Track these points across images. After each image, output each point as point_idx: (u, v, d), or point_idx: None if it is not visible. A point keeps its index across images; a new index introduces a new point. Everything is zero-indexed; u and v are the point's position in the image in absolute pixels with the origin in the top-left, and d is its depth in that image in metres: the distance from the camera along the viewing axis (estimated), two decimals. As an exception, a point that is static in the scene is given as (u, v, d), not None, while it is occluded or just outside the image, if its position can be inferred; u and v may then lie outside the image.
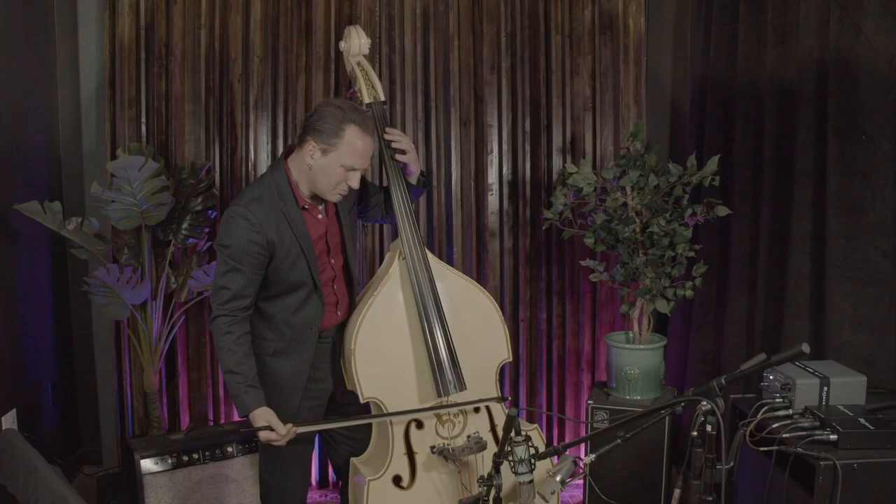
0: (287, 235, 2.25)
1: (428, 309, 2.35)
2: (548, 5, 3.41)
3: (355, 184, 2.26)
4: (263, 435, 2.22)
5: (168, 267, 3.17)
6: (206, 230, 3.26)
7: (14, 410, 2.87)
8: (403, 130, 3.40)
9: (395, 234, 3.47)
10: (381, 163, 2.45)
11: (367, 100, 2.47)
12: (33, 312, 3.15)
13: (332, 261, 2.40)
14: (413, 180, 2.51)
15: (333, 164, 2.21)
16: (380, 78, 3.37)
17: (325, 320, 2.40)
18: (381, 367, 2.32)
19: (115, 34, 3.29)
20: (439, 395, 2.35)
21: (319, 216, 2.36)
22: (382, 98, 2.49)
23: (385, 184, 2.55)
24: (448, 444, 2.35)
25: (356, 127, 2.19)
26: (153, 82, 3.32)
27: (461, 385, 2.37)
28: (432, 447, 2.35)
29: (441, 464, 2.35)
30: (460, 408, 2.38)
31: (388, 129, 2.44)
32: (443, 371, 2.34)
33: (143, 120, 3.33)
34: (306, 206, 2.32)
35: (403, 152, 2.44)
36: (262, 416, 2.22)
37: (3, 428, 2.76)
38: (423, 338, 2.36)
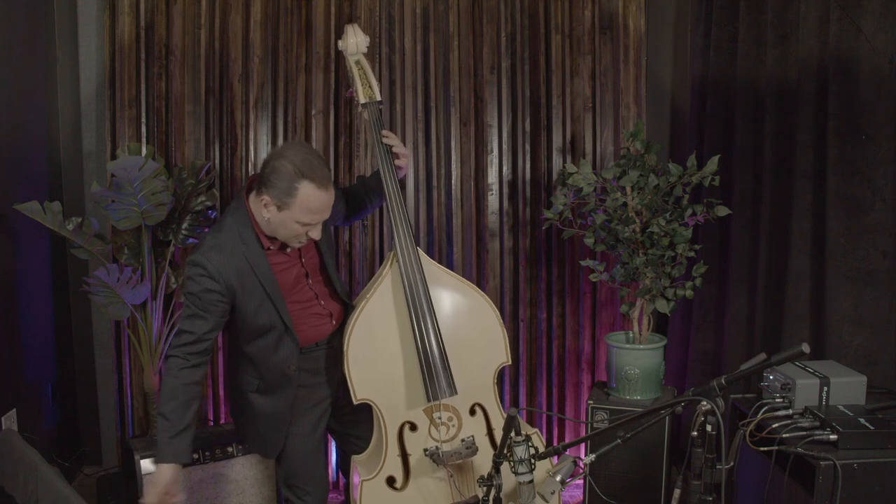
0: (249, 279, 2.22)
1: (420, 312, 2.34)
2: (548, 5, 3.41)
3: (316, 235, 2.21)
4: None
5: (168, 267, 3.17)
6: (206, 230, 3.26)
7: (14, 410, 2.87)
8: (403, 130, 3.41)
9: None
10: (379, 160, 2.44)
11: (363, 100, 2.47)
12: (33, 312, 3.14)
13: (311, 281, 2.39)
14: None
15: (289, 221, 2.16)
16: (379, 78, 3.39)
17: (319, 332, 2.40)
18: (373, 369, 2.32)
19: (115, 34, 3.29)
20: (429, 400, 2.34)
21: (288, 250, 2.32)
22: (378, 98, 2.48)
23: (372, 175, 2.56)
24: (438, 448, 2.35)
25: (309, 184, 2.11)
26: (153, 82, 3.32)
27: (452, 390, 2.35)
28: (425, 450, 2.35)
29: (434, 467, 2.35)
30: (446, 403, 2.37)
31: (384, 133, 2.43)
32: (433, 375, 2.33)
33: (143, 120, 3.33)
34: (271, 247, 2.28)
35: (398, 157, 2.44)
36: (166, 472, 2.14)
37: (3, 428, 2.76)
38: (414, 341, 2.35)
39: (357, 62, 2.51)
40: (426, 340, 2.34)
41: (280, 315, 2.27)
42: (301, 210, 2.14)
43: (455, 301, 2.44)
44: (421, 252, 2.40)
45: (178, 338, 2.21)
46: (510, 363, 2.51)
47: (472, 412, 2.43)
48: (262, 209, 2.18)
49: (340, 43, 2.53)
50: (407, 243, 2.37)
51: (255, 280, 2.23)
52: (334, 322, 2.43)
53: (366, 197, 2.62)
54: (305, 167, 2.11)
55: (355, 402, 2.32)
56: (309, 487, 2.44)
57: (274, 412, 2.37)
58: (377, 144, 2.44)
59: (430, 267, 2.42)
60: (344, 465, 2.69)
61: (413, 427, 2.36)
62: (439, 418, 2.37)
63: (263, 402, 2.36)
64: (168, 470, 2.14)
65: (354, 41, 2.50)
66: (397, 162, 2.44)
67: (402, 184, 2.57)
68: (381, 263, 3.38)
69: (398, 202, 2.40)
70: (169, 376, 2.19)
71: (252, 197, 2.25)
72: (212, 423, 3.39)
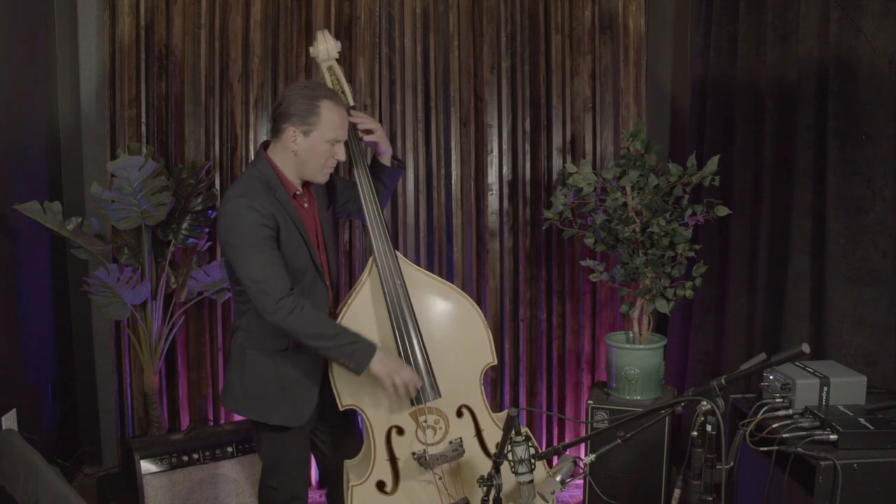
0: (285, 218, 2.23)
1: (401, 316, 2.33)
2: (548, 5, 3.41)
3: (342, 155, 2.28)
4: (399, 380, 2.21)
5: (168, 267, 3.17)
6: (206, 230, 3.26)
7: (14, 410, 2.87)
8: (403, 130, 3.41)
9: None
10: (350, 166, 2.43)
11: None
12: (33, 312, 3.15)
13: (319, 249, 2.39)
14: (386, 161, 2.50)
15: (318, 142, 2.22)
16: (379, 78, 3.39)
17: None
18: (357, 375, 2.30)
19: (115, 34, 3.29)
20: (413, 403, 2.33)
21: (306, 205, 2.35)
22: (352, 103, 2.48)
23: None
24: (425, 451, 2.34)
25: (329, 101, 2.22)
26: (153, 82, 3.32)
27: (436, 393, 2.35)
28: (413, 453, 2.34)
29: (423, 470, 2.34)
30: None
31: (352, 112, 2.42)
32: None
33: (143, 120, 3.33)
34: (297, 193, 2.31)
35: (371, 132, 2.43)
36: (383, 358, 2.21)
37: (3, 428, 2.76)
38: (395, 345, 2.34)
39: (329, 68, 2.49)
40: (408, 345, 2.33)
41: (312, 257, 2.28)
42: (328, 125, 2.21)
43: (436, 304, 2.43)
44: (400, 255, 2.40)
45: (264, 287, 2.12)
46: (496, 363, 2.49)
47: (460, 414, 2.41)
48: (289, 144, 2.23)
49: (312, 50, 2.50)
50: (384, 248, 2.36)
51: (288, 219, 2.23)
52: (328, 308, 2.41)
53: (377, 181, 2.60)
54: (317, 88, 2.23)
55: (341, 408, 2.31)
56: (298, 481, 2.40)
57: (305, 369, 2.30)
58: (352, 149, 2.43)
59: (410, 270, 2.41)
60: (323, 473, 2.67)
61: (400, 431, 2.36)
62: (425, 422, 2.36)
63: (293, 362, 2.29)
64: (381, 351, 2.22)
65: (325, 47, 2.48)
66: (372, 137, 2.44)
67: (401, 164, 2.56)
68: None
69: (374, 208, 2.39)
70: (299, 313, 2.13)
71: (271, 147, 2.29)
72: (212, 423, 3.39)
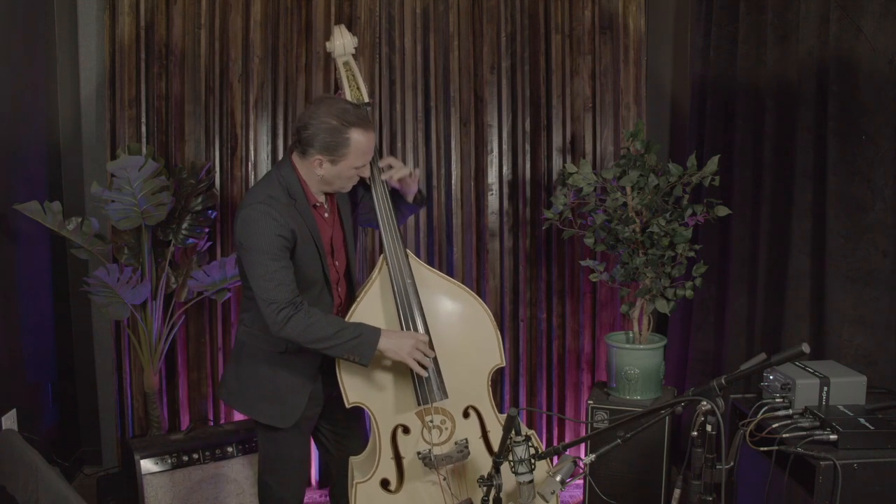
0: (303, 230, 2.24)
1: (410, 316, 2.33)
2: (548, 5, 3.41)
3: (367, 172, 2.32)
4: (419, 355, 2.24)
5: (168, 267, 3.17)
6: (206, 230, 3.26)
7: (14, 410, 2.87)
8: (403, 130, 3.41)
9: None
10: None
11: (351, 101, 2.46)
12: (33, 312, 3.15)
13: (337, 263, 2.39)
14: (410, 199, 2.51)
15: (346, 169, 2.24)
16: (379, 78, 3.39)
17: None
18: (364, 373, 2.30)
19: (115, 34, 3.29)
20: (419, 403, 2.33)
21: (326, 215, 2.36)
22: (367, 100, 2.47)
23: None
24: (430, 451, 2.34)
25: (358, 130, 2.19)
26: (153, 82, 3.32)
27: (442, 393, 2.34)
28: (418, 452, 2.34)
29: (427, 469, 2.34)
30: (438, 405, 2.36)
31: (389, 165, 2.43)
32: (423, 379, 2.31)
33: (143, 120, 3.33)
34: (317, 204, 2.32)
35: (408, 176, 2.44)
36: (394, 339, 2.22)
37: (3, 428, 2.76)
38: None
39: (345, 63, 2.49)
40: None
41: (324, 269, 2.29)
42: (356, 156, 2.22)
43: (446, 304, 2.42)
44: (411, 255, 2.40)
45: (272, 297, 2.13)
46: (504, 365, 2.48)
47: (466, 415, 2.41)
48: (315, 168, 2.23)
49: (328, 44, 2.50)
50: (396, 247, 2.36)
51: (306, 230, 2.24)
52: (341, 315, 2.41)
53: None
54: (346, 116, 2.19)
55: (347, 406, 2.31)
56: (293, 479, 2.41)
57: (299, 372, 2.31)
58: (371, 164, 2.43)
59: (421, 270, 2.40)
60: (326, 472, 2.66)
61: (406, 430, 2.35)
62: (431, 421, 2.36)
63: (289, 364, 2.30)
64: (385, 334, 2.23)
65: (342, 42, 2.48)
66: (409, 180, 2.45)
67: (424, 199, 2.59)
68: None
69: (386, 205, 2.39)
70: (305, 326, 2.14)
71: (297, 157, 2.28)
72: (212, 423, 3.39)
